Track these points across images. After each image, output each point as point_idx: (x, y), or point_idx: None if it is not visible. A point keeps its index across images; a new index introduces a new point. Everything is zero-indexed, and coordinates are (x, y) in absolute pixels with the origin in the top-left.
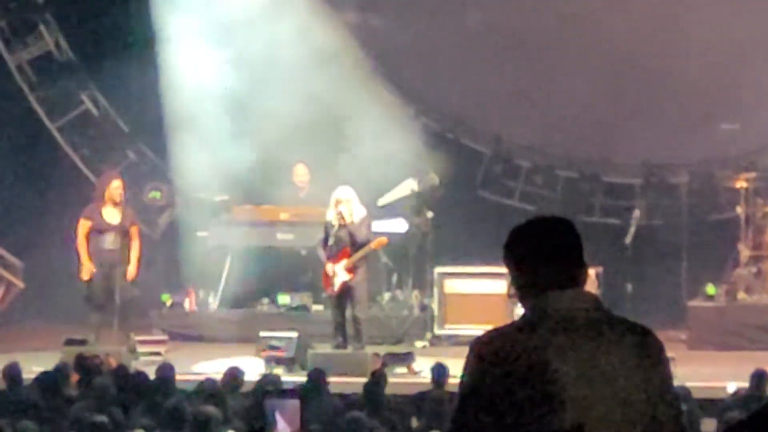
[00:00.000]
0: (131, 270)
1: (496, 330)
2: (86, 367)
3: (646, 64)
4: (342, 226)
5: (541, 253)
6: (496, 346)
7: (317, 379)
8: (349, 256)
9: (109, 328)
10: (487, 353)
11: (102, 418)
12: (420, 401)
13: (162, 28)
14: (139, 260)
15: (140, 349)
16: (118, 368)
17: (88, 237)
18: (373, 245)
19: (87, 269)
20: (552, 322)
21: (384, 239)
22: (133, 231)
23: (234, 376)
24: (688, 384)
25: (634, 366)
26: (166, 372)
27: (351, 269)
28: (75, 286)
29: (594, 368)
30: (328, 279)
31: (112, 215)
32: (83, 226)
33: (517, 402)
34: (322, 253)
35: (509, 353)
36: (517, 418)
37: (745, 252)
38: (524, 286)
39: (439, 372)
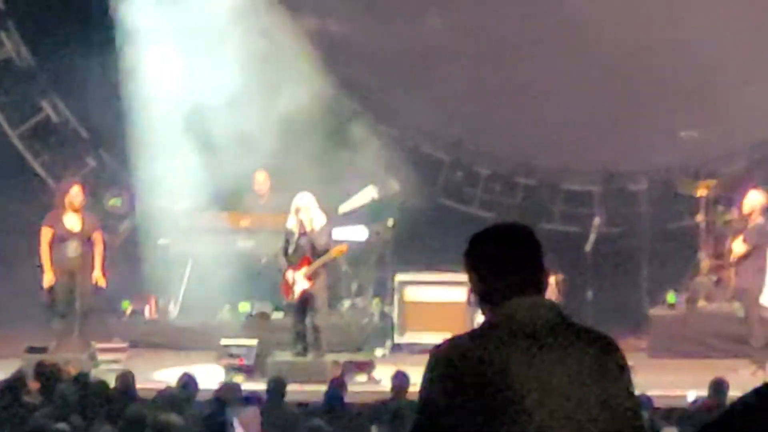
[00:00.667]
0: (98, 276)
1: (455, 338)
2: (46, 374)
3: (605, 72)
4: (302, 233)
5: (501, 261)
6: (456, 354)
7: (277, 386)
8: (309, 263)
9: (70, 336)
10: (446, 361)
11: (63, 426)
12: (380, 409)
13: (123, 35)
14: (104, 265)
15: (100, 356)
16: (79, 376)
17: (50, 245)
18: (333, 253)
19: (49, 277)
20: (512, 329)
21: (344, 247)
22: (96, 237)
23: (186, 382)
24: (649, 392)
25: (594, 373)
26: (126, 380)
27: (311, 277)
28: (37, 293)
29: (554, 375)
30: (288, 287)
31: (73, 222)
32: (45, 233)
33: (477, 410)
34: (282, 261)
35: (469, 361)
36: (477, 426)
37: (705, 260)
38: (484, 294)
39: (400, 380)
